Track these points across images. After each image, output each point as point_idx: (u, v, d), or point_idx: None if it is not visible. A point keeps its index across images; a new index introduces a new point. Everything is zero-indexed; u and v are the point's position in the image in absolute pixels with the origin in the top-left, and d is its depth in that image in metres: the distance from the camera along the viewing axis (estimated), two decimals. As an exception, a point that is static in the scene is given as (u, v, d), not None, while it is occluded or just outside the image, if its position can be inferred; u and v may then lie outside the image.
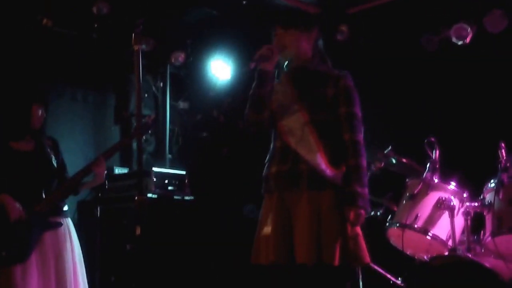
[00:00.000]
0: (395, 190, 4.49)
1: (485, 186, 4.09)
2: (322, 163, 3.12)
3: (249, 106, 3.25)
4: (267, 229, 3.17)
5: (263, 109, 3.23)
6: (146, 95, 6.92)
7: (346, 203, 3.12)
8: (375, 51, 5.99)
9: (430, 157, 4.16)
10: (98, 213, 5.62)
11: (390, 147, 4.48)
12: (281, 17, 3.34)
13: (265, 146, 3.41)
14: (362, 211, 3.13)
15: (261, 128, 3.28)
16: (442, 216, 4.06)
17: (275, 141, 3.30)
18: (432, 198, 4.10)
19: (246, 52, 3.25)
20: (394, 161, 4.47)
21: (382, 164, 4.47)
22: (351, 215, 3.11)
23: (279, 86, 3.31)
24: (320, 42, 3.40)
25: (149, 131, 4.36)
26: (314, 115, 3.20)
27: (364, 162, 3.19)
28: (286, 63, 3.37)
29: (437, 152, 4.15)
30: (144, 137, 5.26)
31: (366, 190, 3.19)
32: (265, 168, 3.30)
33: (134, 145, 6.15)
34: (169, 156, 6.95)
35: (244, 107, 3.31)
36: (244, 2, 5.88)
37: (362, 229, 4.33)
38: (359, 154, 3.17)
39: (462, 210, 4.04)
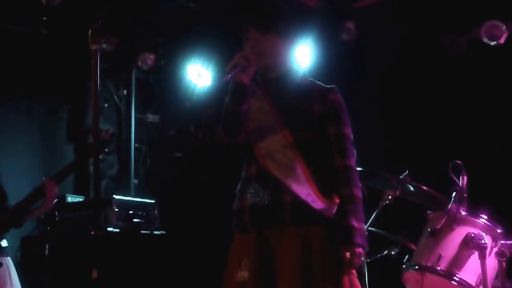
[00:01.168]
0: (413, 224, 4.45)
1: (524, 221, 4.08)
2: (311, 193, 3.14)
3: (223, 126, 3.24)
4: (243, 275, 3.15)
5: (239, 130, 3.23)
6: (106, 105, 6.91)
7: (341, 240, 3.13)
8: (386, 54, 5.99)
9: (456, 185, 4.13)
10: (47, 251, 5.61)
11: (406, 172, 4.45)
12: (257, 17, 3.34)
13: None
14: (360, 250, 3.14)
15: (236, 152, 3.28)
16: (470, 256, 4.01)
17: (248, 167, 3.29)
18: (458, 234, 4.06)
19: (230, 54, 3.22)
20: (411, 188, 4.46)
21: (397, 192, 4.47)
22: (347, 255, 3.12)
23: (253, 101, 3.30)
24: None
25: (106, 149, 4.38)
26: (299, 135, 3.22)
27: (359, 192, 3.21)
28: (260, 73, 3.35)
29: (465, 178, 4.12)
30: (101, 157, 5.27)
31: (364, 225, 3.20)
32: (235, 200, 3.29)
33: (92, 167, 6.09)
34: (134, 181, 6.95)
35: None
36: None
37: (371, 272, 4.35)
38: (353, 182, 3.21)
39: (495, 249, 4.03)
